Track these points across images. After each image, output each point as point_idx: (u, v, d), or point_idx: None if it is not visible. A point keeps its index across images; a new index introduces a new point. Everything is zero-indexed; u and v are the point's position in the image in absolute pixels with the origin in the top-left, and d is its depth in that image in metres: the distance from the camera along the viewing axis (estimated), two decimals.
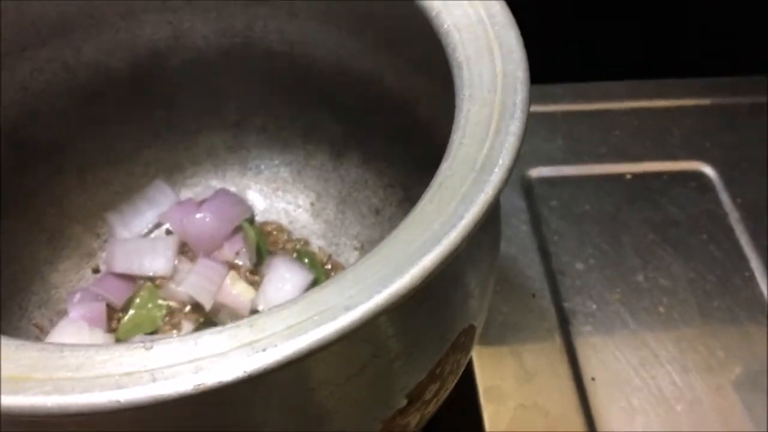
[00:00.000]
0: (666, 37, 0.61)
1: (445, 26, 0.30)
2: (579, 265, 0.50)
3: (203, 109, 0.46)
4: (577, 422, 0.43)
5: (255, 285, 0.43)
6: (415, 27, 0.32)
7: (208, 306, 0.41)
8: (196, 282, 0.41)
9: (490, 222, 0.28)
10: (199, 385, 0.19)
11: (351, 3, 0.38)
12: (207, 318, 0.42)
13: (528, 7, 0.58)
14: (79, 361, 0.21)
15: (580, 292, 0.49)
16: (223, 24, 0.42)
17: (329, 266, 0.45)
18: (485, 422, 0.43)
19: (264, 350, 0.20)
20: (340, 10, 0.39)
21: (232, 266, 0.44)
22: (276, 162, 0.48)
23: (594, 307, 0.48)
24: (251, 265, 0.44)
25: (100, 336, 0.38)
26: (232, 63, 0.44)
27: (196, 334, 0.21)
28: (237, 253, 0.44)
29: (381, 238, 0.45)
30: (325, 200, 0.47)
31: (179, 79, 0.44)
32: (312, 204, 0.47)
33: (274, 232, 0.46)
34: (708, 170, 0.55)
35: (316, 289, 0.22)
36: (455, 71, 0.28)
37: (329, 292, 0.22)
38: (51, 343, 0.21)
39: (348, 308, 0.21)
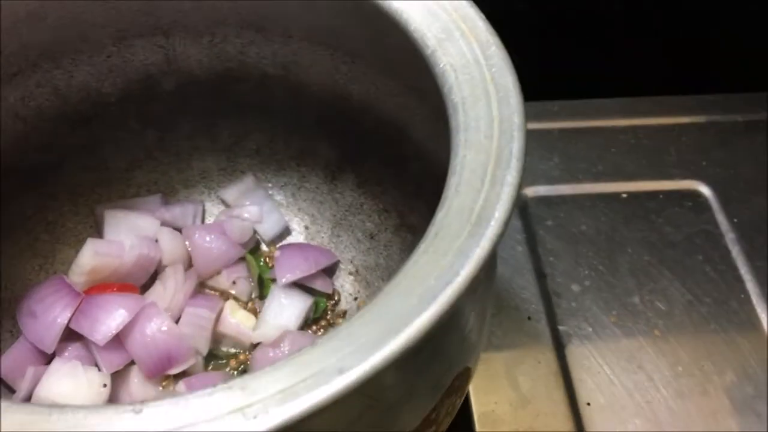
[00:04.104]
0: (662, 54, 0.60)
1: (441, 65, 0.29)
2: (575, 287, 0.50)
3: (196, 131, 0.46)
4: None
5: (255, 313, 0.43)
6: (410, 57, 0.32)
7: (204, 351, 0.41)
8: (188, 331, 0.40)
9: (486, 269, 0.28)
10: None
11: (345, 29, 0.38)
12: (210, 351, 0.41)
13: (524, 24, 0.58)
14: (69, 425, 0.20)
15: (575, 314, 0.49)
16: (216, 49, 0.41)
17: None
18: None
19: (255, 417, 0.20)
20: (334, 35, 0.39)
21: (227, 296, 0.44)
22: (270, 185, 0.47)
23: (590, 329, 0.48)
24: (256, 296, 0.44)
25: (95, 375, 0.38)
26: (226, 87, 0.43)
27: (187, 397, 0.21)
28: (234, 282, 0.43)
29: (376, 263, 0.45)
30: (320, 223, 0.47)
31: (172, 102, 0.44)
32: (306, 227, 0.47)
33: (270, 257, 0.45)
34: (704, 189, 0.55)
35: (308, 349, 0.22)
36: (451, 113, 0.28)
37: (322, 353, 0.21)
38: (38, 406, 0.21)
39: (341, 371, 0.21)
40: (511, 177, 0.25)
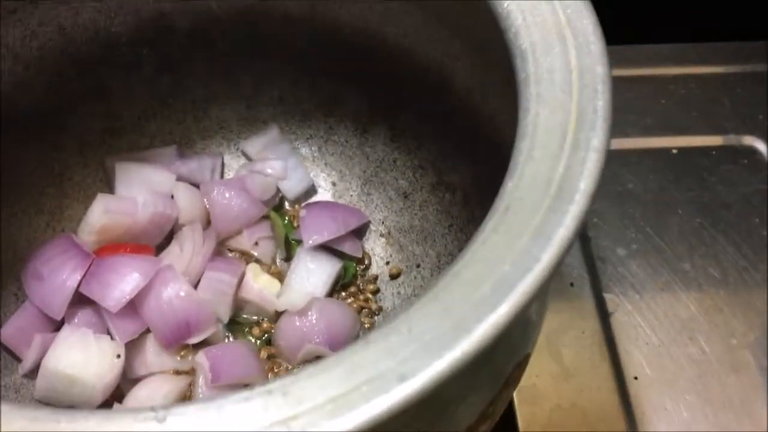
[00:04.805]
0: None
1: (506, 4, 0.25)
2: (620, 251, 0.47)
3: (214, 76, 0.42)
4: (619, 425, 0.41)
5: (279, 277, 0.40)
6: None
7: (225, 318, 0.38)
8: (208, 297, 0.37)
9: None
10: None
11: None
12: (231, 317, 0.38)
13: None
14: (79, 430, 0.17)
15: (621, 281, 0.45)
16: None
17: None
18: (519, 424, 0.40)
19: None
20: None
21: (249, 257, 0.40)
22: (294, 137, 0.43)
23: (637, 297, 0.45)
24: (282, 259, 0.41)
25: (107, 345, 0.35)
26: (247, 27, 0.39)
27: (219, 402, 0.17)
28: (256, 243, 0.40)
29: (410, 225, 0.41)
30: (349, 180, 0.43)
31: (188, 44, 0.40)
32: (334, 184, 0.43)
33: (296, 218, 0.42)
34: (761, 145, 0.51)
35: (361, 346, 0.18)
36: (518, 62, 0.24)
37: (378, 353, 0.18)
38: (43, 410, 0.18)
39: (403, 377, 0.17)
40: (597, 141, 0.21)
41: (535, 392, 0.41)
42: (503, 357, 0.24)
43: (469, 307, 0.18)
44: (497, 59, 0.27)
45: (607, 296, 0.45)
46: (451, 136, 0.39)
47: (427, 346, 0.18)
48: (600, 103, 0.22)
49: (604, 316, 0.44)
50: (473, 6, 0.27)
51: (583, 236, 0.47)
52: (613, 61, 0.55)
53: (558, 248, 0.19)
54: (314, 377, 0.18)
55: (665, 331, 0.43)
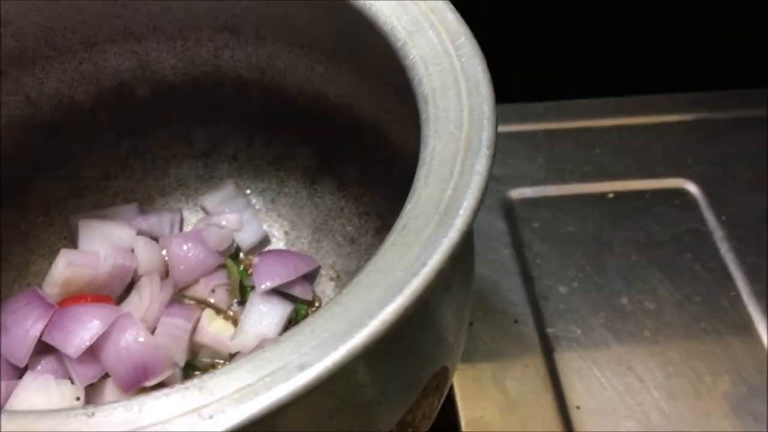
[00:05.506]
0: (645, 52, 0.60)
1: (411, 57, 0.29)
2: (562, 289, 0.49)
3: (173, 138, 0.45)
4: None
5: (235, 321, 0.42)
6: (382, 53, 0.31)
7: (181, 362, 0.40)
8: (164, 342, 0.39)
9: (460, 260, 0.27)
10: None
11: (316, 26, 0.37)
12: (188, 361, 0.40)
13: (508, 26, 0.58)
14: (17, 427, 0.19)
15: (563, 316, 0.48)
16: (190, 53, 0.41)
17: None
18: None
19: (211, 417, 0.19)
20: (307, 34, 0.38)
21: (206, 304, 0.43)
22: (248, 191, 0.46)
23: (578, 332, 0.47)
24: (237, 303, 0.43)
25: (68, 389, 0.37)
26: (202, 92, 0.43)
27: (141, 399, 0.20)
28: (213, 290, 0.43)
29: (357, 268, 0.44)
30: (300, 229, 0.46)
31: (147, 108, 0.43)
32: (286, 233, 0.46)
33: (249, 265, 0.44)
34: (691, 187, 0.55)
35: (271, 345, 0.21)
36: (421, 105, 0.27)
37: (283, 350, 0.20)
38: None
39: (302, 367, 0.20)
40: (480, 166, 0.24)
41: (483, 424, 0.43)
42: (415, 365, 0.26)
43: (364, 308, 0.21)
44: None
45: (549, 331, 0.47)
46: (391, 182, 0.42)
47: (326, 342, 0.20)
48: (485, 135, 0.25)
49: (547, 350, 0.46)
50: (390, 62, 0.31)
51: (526, 276, 0.50)
52: (553, 115, 0.60)
53: (442, 255, 0.22)
54: (228, 373, 0.20)
55: (605, 363, 0.46)
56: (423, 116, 0.27)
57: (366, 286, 0.22)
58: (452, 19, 0.29)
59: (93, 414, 0.20)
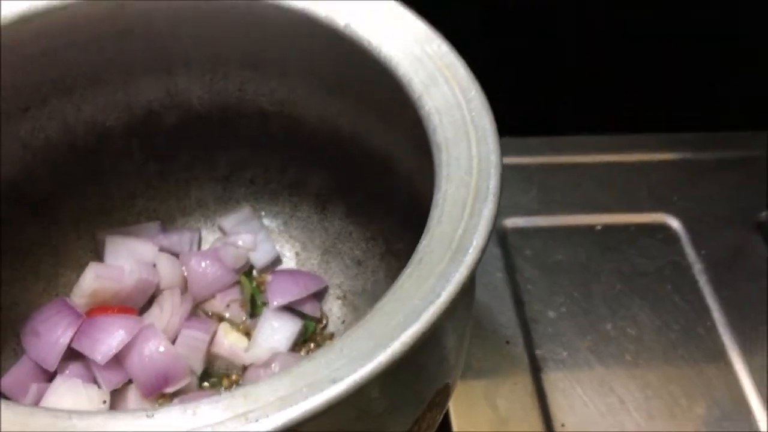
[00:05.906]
0: (635, 94, 0.64)
1: (427, 108, 0.32)
2: (551, 313, 0.53)
3: (195, 162, 0.48)
4: None
5: (249, 335, 0.45)
6: (397, 99, 0.35)
7: (199, 371, 0.43)
8: (184, 352, 0.42)
9: (465, 291, 0.31)
10: None
11: (337, 70, 0.40)
12: (204, 370, 0.43)
13: (507, 64, 0.62)
14: (90, 426, 0.23)
15: (551, 339, 0.51)
16: (217, 86, 0.44)
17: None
18: None
19: (257, 420, 0.22)
20: (328, 75, 0.42)
21: (222, 318, 0.46)
22: (263, 213, 0.50)
23: (565, 354, 0.51)
24: (247, 317, 0.46)
25: (95, 392, 0.40)
26: (226, 121, 0.46)
27: (195, 404, 0.23)
28: (228, 305, 0.46)
29: (363, 289, 0.48)
30: (310, 250, 0.49)
31: (173, 135, 0.46)
32: (297, 254, 0.49)
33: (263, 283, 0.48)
34: (674, 222, 0.58)
35: (305, 361, 0.24)
36: (435, 152, 0.31)
37: (317, 365, 0.24)
38: (60, 410, 0.23)
39: (334, 381, 0.23)
40: (487, 210, 0.27)
41: None
42: (422, 382, 0.29)
43: (386, 331, 0.25)
44: (428, 148, 0.34)
45: (538, 353, 0.51)
46: (398, 210, 0.45)
47: (354, 360, 0.24)
48: (492, 182, 0.28)
49: (535, 370, 0.50)
50: (405, 108, 0.34)
51: (518, 300, 0.53)
52: (547, 149, 0.63)
53: (454, 287, 0.25)
54: (268, 384, 0.24)
55: (588, 383, 0.49)
56: (436, 162, 0.31)
57: (387, 312, 0.25)
58: (464, 75, 0.33)
59: (153, 415, 0.23)
